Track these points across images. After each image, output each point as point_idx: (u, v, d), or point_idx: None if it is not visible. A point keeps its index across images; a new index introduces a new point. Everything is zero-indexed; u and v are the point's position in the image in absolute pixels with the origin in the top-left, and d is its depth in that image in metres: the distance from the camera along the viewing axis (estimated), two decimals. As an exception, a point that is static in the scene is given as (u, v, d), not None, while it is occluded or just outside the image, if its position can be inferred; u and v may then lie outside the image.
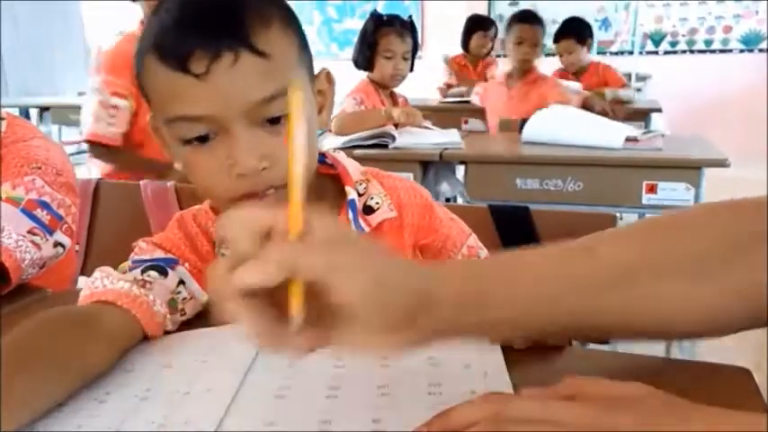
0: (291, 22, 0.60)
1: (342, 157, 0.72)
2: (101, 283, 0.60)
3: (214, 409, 0.47)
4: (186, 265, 0.66)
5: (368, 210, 0.68)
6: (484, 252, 0.75)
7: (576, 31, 3.44)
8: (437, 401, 0.48)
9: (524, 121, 2.15)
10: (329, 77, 0.67)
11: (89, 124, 1.86)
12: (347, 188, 0.68)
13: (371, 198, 0.69)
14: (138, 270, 0.62)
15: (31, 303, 0.76)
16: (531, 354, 0.58)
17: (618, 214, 1.00)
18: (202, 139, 0.56)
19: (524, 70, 2.75)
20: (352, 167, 0.71)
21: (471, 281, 0.44)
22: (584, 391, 0.39)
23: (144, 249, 0.66)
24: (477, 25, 4.08)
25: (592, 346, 0.88)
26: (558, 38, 3.51)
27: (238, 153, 0.55)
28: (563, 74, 3.52)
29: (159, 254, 0.65)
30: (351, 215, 0.67)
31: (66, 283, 1.06)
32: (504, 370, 0.53)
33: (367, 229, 0.67)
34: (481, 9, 5.99)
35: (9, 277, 0.79)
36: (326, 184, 0.69)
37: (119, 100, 1.82)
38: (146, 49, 0.57)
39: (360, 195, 0.69)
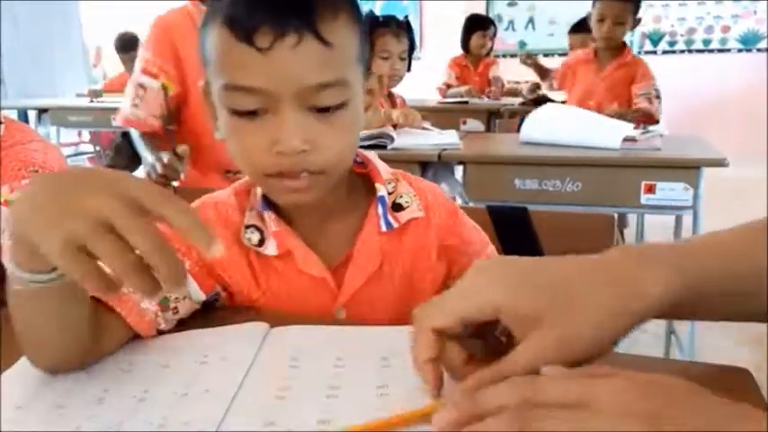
0: (357, 18, 0.62)
1: (372, 155, 0.73)
2: None
3: (213, 409, 0.47)
4: (188, 263, 0.65)
5: (397, 207, 0.70)
6: None
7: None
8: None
9: (522, 120, 2.15)
10: (381, 80, 0.69)
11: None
12: (377, 185, 0.70)
13: (401, 197, 0.71)
14: None
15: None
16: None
17: (616, 215, 1.00)
18: (252, 114, 0.58)
19: (612, 49, 2.61)
20: (382, 167, 0.73)
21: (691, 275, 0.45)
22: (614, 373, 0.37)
23: None
24: (477, 25, 4.08)
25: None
26: (575, 29, 3.47)
27: (283, 131, 0.57)
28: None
29: None
30: (380, 210, 0.69)
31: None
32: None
33: (396, 224, 0.69)
34: (479, 9, 5.99)
35: (5, 278, 0.79)
36: (357, 181, 0.71)
37: (147, 79, 1.59)
38: (214, 17, 0.59)
39: (389, 194, 0.70)
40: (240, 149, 0.61)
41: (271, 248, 0.67)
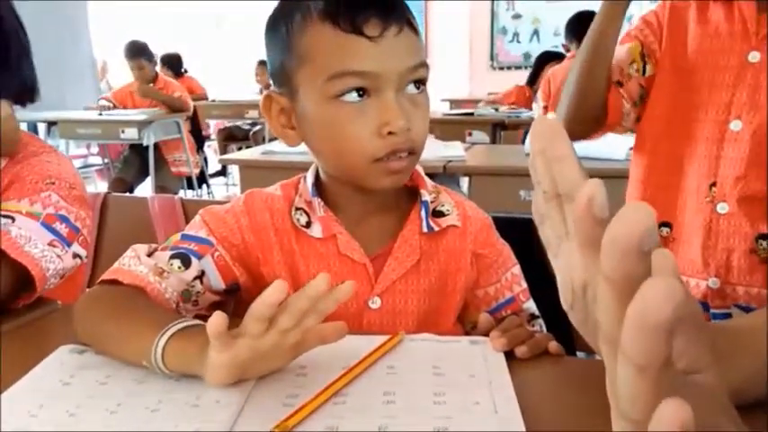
0: None
1: (419, 167, 0.77)
2: (127, 262, 0.68)
3: (223, 419, 0.48)
4: (217, 254, 0.70)
5: (438, 214, 0.75)
6: (524, 284, 0.79)
7: None
8: (441, 411, 0.49)
9: (526, 132, 2.16)
10: None
11: None
12: (422, 191, 0.75)
13: (442, 205, 0.76)
14: (167, 255, 0.68)
15: (42, 316, 0.77)
16: (534, 363, 0.59)
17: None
18: (359, 96, 0.64)
19: None
20: (427, 179, 0.78)
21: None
22: None
23: (196, 224, 0.73)
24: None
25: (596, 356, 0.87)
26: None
27: (391, 112, 0.63)
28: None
29: (202, 233, 0.71)
30: (423, 213, 0.73)
31: (77, 294, 1.07)
32: (508, 379, 0.54)
33: (436, 228, 0.73)
34: (485, 10, 6.02)
35: (35, 286, 0.80)
36: (402, 188, 0.75)
37: None
38: (310, 15, 0.65)
39: (431, 202, 0.75)
40: (348, 138, 0.65)
41: (316, 231, 0.72)
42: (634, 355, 0.21)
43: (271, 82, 0.73)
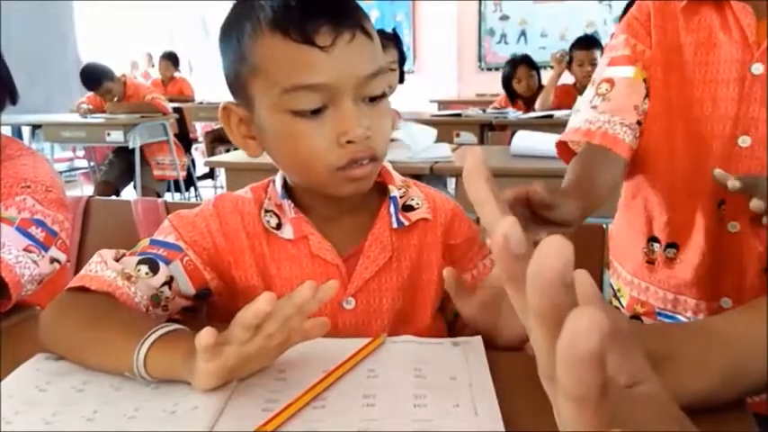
0: None
1: (387, 163, 0.77)
2: (94, 267, 0.66)
3: (202, 425, 0.47)
4: (186, 259, 0.69)
5: (407, 208, 0.75)
6: None
7: (599, 42, 3.36)
8: (422, 413, 0.49)
9: (513, 133, 2.17)
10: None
11: None
12: (390, 186, 0.74)
13: (412, 199, 0.76)
14: (135, 260, 0.67)
15: (20, 322, 0.76)
16: (515, 364, 0.58)
17: (605, 225, 1.01)
18: (314, 112, 0.62)
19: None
20: (395, 174, 0.78)
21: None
22: None
23: (164, 229, 0.72)
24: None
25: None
26: (582, 46, 3.34)
27: (349, 121, 0.62)
28: (568, 89, 3.45)
29: (171, 239, 0.70)
30: (392, 209, 0.73)
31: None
32: (489, 381, 0.54)
33: (406, 223, 0.73)
34: (472, 11, 6.04)
35: (9, 293, 0.79)
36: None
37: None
38: (260, 25, 0.63)
39: (400, 197, 0.75)
40: (307, 150, 0.64)
41: (287, 232, 0.71)
42: (570, 389, 0.21)
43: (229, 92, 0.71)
